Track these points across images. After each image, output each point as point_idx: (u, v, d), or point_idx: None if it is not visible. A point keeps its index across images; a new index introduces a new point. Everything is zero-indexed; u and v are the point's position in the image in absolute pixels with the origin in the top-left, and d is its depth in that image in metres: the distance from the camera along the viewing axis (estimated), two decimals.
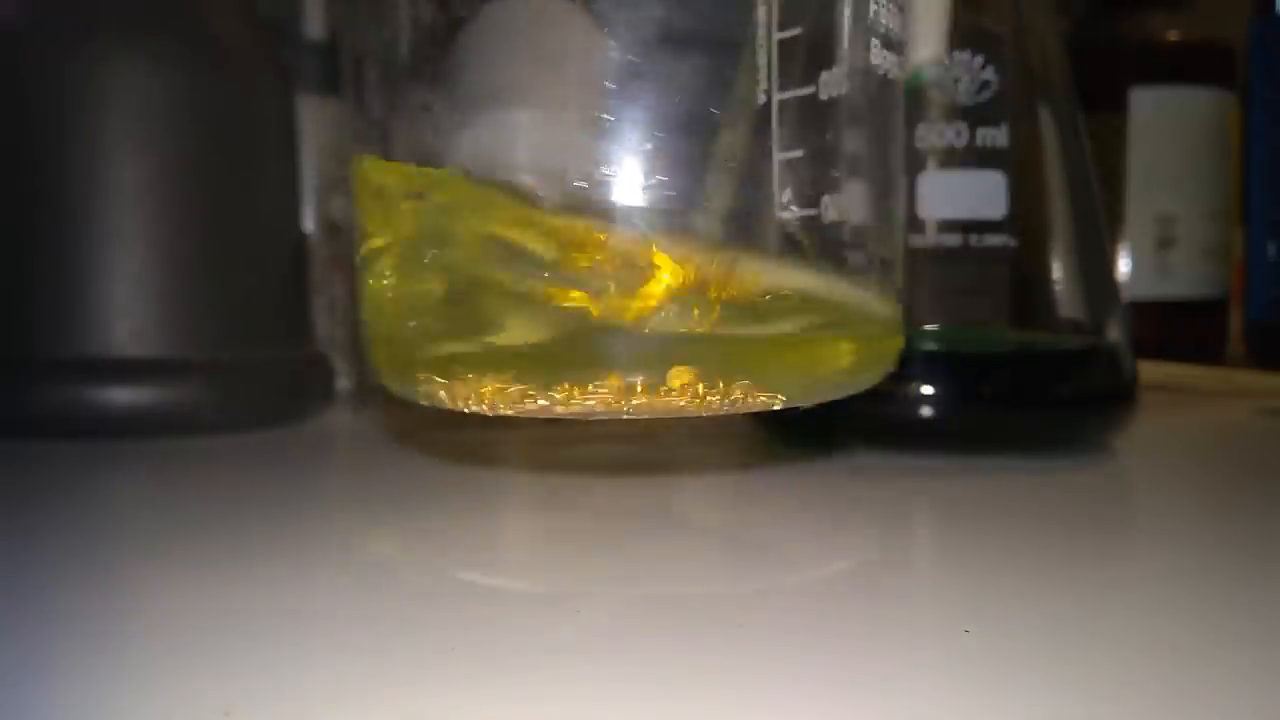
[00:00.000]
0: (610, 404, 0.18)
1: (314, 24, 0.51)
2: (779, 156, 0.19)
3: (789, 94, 0.19)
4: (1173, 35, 0.60)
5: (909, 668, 0.15)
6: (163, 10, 0.35)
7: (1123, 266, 0.60)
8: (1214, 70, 0.60)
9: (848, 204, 0.19)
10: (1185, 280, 0.60)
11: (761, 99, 0.18)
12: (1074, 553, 0.21)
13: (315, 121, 0.49)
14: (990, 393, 0.30)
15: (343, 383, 0.43)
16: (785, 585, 0.19)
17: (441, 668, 0.15)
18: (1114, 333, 0.31)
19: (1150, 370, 0.41)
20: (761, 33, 0.18)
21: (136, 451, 0.32)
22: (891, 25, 0.21)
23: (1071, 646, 0.16)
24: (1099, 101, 0.58)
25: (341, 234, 0.45)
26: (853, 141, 0.20)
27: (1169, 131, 0.59)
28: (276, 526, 0.23)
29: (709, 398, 0.18)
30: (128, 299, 0.34)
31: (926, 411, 0.29)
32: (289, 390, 0.38)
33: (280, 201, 0.38)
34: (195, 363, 0.34)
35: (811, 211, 0.19)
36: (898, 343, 0.22)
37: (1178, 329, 0.60)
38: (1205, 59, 0.60)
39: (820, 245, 0.19)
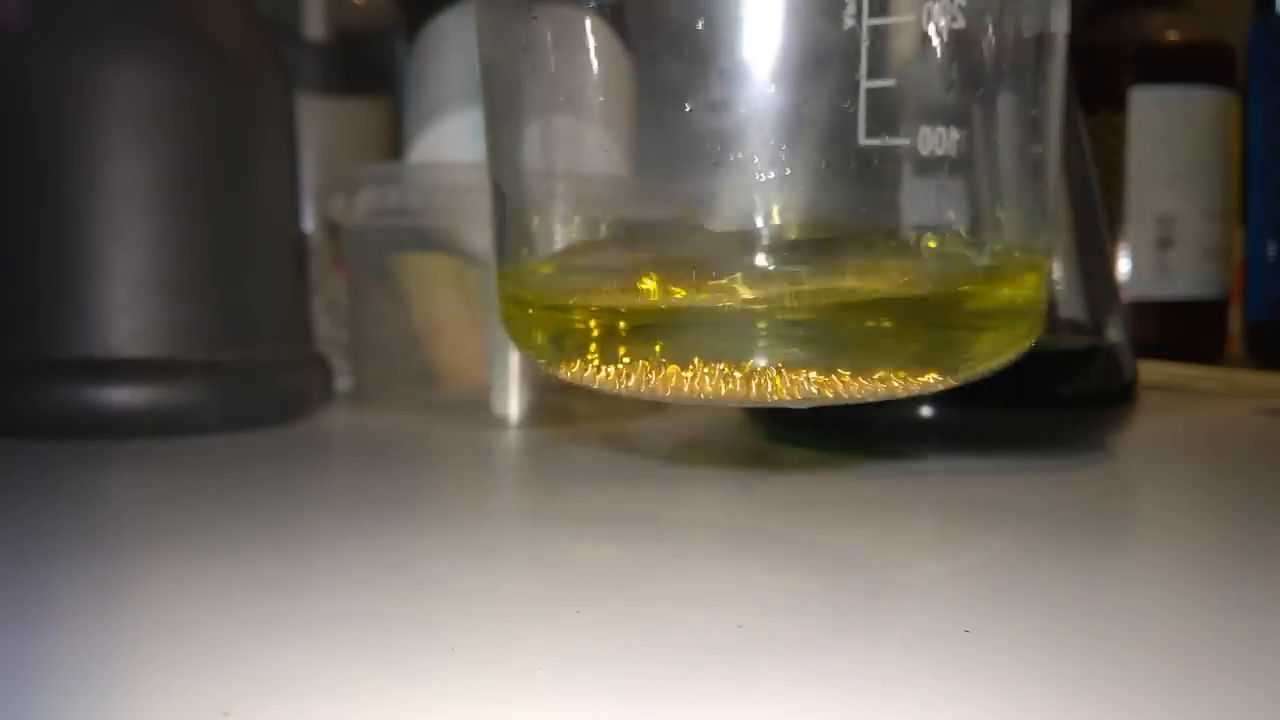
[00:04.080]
0: (742, 391, 0.17)
1: (314, 24, 0.51)
2: (866, 85, 0.17)
3: (882, 20, 0.17)
4: (1173, 35, 0.60)
5: (909, 667, 0.15)
6: (163, 10, 0.35)
7: (1123, 266, 0.60)
8: (1214, 70, 0.60)
9: (946, 143, 0.18)
10: (1185, 280, 0.60)
11: (849, 23, 0.17)
12: (1073, 552, 0.21)
13: (315, 121, 0.49)
14: (990, 393, 0.30)
15: (343, 383, 0.43)
16: (783, 585, 0.19)
17: (442, 667, 0.15)
18: (1114, 333, 0.31)
19: (1150, 370, 0.41)
20: None
21: (136, 451, 0.32)
22: None
23: (1071, 646, 0.16)
24: (1099, 101, 0.58)
25: (341, 234, 0.45)
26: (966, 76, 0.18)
27: (1169, 131, 0.59)
28: (276, 526, 0.23)
29: (840, 382, 0.17)
30: (128, 299, 0.34)
31: (926, 411, 0.29)
32: (289, 390, 0.38)
33: (280, 201, 0.38)
34: (195, 363, 0.34)
35: (903, 141, 0.18)
36: (1035, 307, 0.20)
37: (1178, 329, 0.60)
38: (1205, 59, 0.60)
39: (917, 179, 0.18)
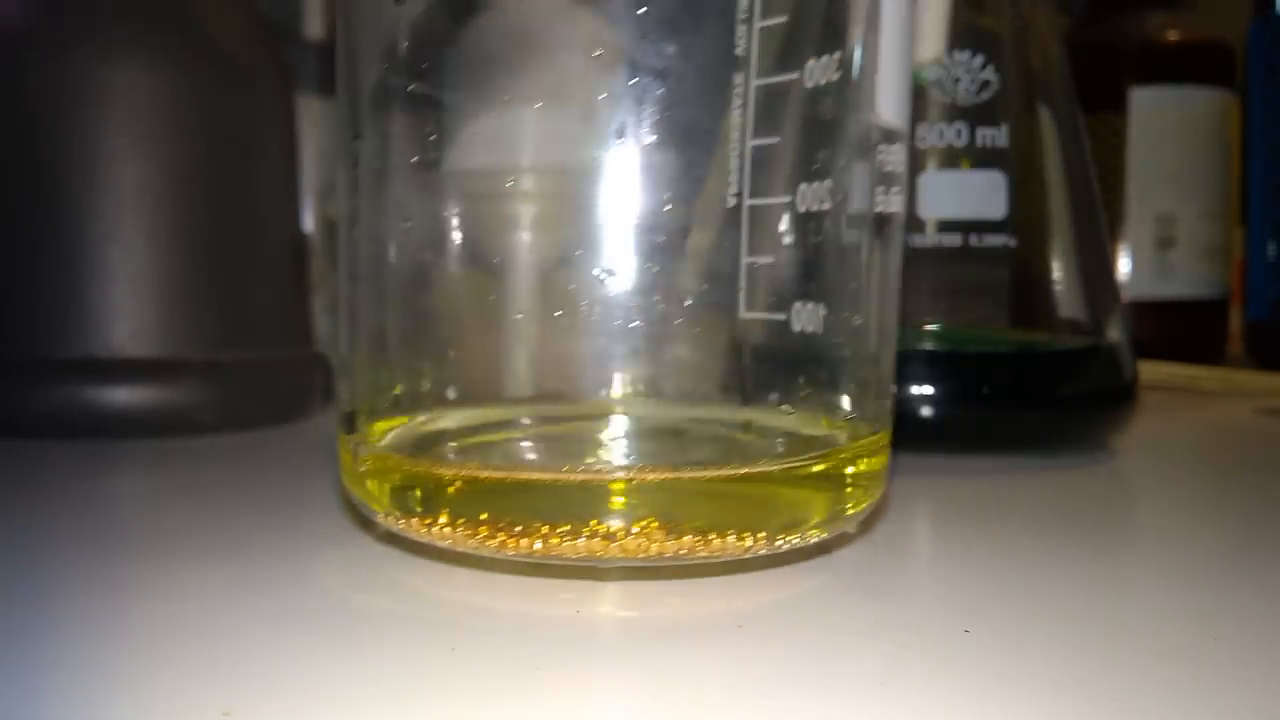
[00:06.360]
0: (581, 549, 0.18)
1: (314, 24, 0.51)
2: (746, 260, 0.19)
3: (761, 200, 0.19)
4: (1173, 35, 0.60)
5: (909, 668, 0.15)
6: (163, 10, 0.35)
7: (1123, 266, 0.60)
8: (1214, 70, 0.60)
9: (815, 319, 0.19)
10: (1185, 280, 0.60)
11: (731, 202, 0.18)
12: (1074, 552, 0.21)
13: (315, 121, 0.49)
14: (990, 393, 0.30)
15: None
16: (783, 585, 0.19)
17: (441, 668, 0.15)
18: (1114, 333, 0.31)
19: (1150, 370, 0.41)
20: (735, 136, 0.18)
21: (136, 451, 0.32)
22: (893, 164, 0.20)
23: (1071, 646, 0.16)
24: (1099, 101, 0.58)
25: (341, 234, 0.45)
26: (827, 256, 0.19)
27: (1169, 131, 0.59)
28: (276, 526, 0.23)
29: (680, 541, 0.17)
30: (128, 299, 0.34)
31: (926, 411, 0.29)
32: (289, 390, 0.38)
33: (280, 201, 0.38)
34: (195, 363, 0.34)
35: (779, 316, 0.19)
36: (876, 472, 0.20)
37: (1178, 329, 0.60)
38: (1205, 59, 0.60)
39: (784, 357, 0.19)
